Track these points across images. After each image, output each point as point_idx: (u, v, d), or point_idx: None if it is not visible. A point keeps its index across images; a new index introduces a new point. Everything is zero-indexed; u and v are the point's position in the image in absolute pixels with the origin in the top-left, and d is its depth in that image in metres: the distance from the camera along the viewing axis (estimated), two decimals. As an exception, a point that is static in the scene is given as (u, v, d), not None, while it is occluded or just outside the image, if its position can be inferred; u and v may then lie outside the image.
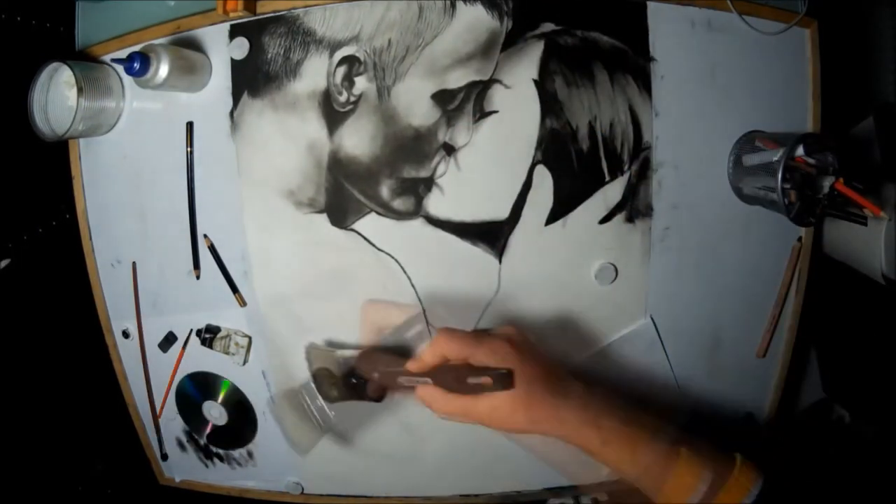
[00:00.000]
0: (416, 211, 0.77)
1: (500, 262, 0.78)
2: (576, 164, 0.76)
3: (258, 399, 0.87)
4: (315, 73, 0.76)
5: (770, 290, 0.83)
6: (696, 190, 0.79)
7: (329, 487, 0.91)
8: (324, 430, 0.71)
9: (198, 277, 0.83)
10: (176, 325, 0.86)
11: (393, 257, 0.78)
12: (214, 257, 0.81)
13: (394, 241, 0.78)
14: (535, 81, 0.74)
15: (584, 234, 0.78)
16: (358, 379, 0.69)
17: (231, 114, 0.78)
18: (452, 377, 0.59)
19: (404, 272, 0.79)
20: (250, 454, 0.91)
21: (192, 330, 0.85)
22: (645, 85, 0.75)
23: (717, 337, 0.84)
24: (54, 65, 0.74)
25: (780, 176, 0.67)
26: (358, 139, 0.76)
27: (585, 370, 0.80)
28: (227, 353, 0.84)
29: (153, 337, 0.87)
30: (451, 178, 0.76)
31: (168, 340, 0.86)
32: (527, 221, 0.77)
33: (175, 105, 0.79)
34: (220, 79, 0.78)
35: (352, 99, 0.75)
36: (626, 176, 0.77)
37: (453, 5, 0.74)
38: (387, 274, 0.79)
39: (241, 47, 0.76)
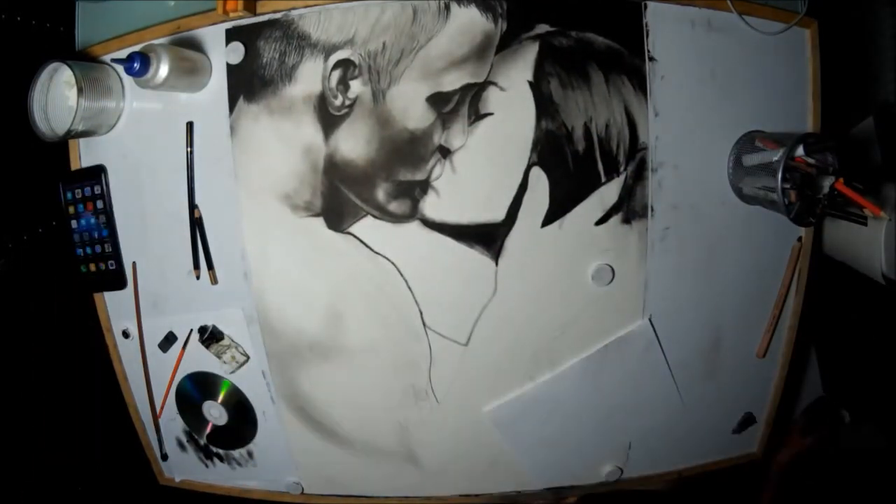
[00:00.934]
0: (413, 214, 0.77)
1: (497, 264, 0.78)
2: (571, 166, 0.76)
3: (258, 399, 0.87)
4: (310, 77, 0.75)
5: (770, 290, 0.83)
6: (696, 190, 0.78)
7: (329, 488, 0.92)
8: None
9: (198, 277, 0.83)
10: (176, 325, 0.86)
11: (389, 260, 0.78)
12: (200, 231, 0.81)
13: (390, 244, 0.78)
14: (530, 83, 0.74)
15: (581, 236, 0.77)
16: None
17: (228, 118, 0.78)
18: None
19: (401, 275, 0.79)
20: (250, 454, 0.91)
21: (192, 330, 0.85)
22: (640, 85, 0.75)
23: (717, 337, 0.84)
24: (54, 65, 0.74)
25: (780, 176, 0.66)
26: (353, 143, 0.76)
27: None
28: (219, 357, 0.84)
29: (153, 337, 0.87)
30: (446, 181, 0.76)
31: (168, 340, 0.87)
32: (523, 223, 0.77)
33: (175, 105, 0.79)
34: (219, 80, 0.78)
35: (347, 102, 0.75)
36: (623, 177, 0.76)
37: (447, 8, 0.73)
38: (384, 277, 0.79)
39: (236, 52, 0.76)
